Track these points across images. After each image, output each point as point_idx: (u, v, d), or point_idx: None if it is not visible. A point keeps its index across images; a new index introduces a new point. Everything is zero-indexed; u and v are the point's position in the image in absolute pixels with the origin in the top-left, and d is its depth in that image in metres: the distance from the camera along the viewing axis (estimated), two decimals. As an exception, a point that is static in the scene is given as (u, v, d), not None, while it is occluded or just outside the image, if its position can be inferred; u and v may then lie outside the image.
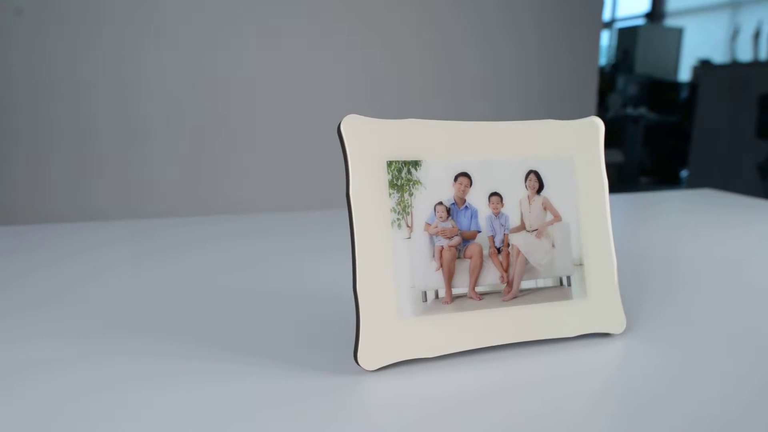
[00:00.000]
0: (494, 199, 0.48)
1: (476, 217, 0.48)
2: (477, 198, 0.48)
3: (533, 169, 0.50)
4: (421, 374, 0.44)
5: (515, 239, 0.49)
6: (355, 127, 0.45)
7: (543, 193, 0.50)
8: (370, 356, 0.44)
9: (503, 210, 0.48)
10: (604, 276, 0.51)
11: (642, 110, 5.21)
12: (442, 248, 0.46)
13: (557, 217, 0.50)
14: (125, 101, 1.59)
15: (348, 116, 0.45)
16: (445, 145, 0.47)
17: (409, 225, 0.46)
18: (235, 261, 0.77)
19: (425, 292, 0.46)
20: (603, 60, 6.24)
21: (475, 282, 0.47)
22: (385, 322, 0.44)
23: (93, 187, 1.58)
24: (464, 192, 0.47)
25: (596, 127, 0.52)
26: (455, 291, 0.47)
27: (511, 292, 0.48)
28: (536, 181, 0.50)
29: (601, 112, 5.12)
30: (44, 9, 1.46)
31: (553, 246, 0.50)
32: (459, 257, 0.47)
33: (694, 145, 4.01)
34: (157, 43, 1.65)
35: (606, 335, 0.51)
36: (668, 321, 0.56)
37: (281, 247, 0.84)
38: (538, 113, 2.17)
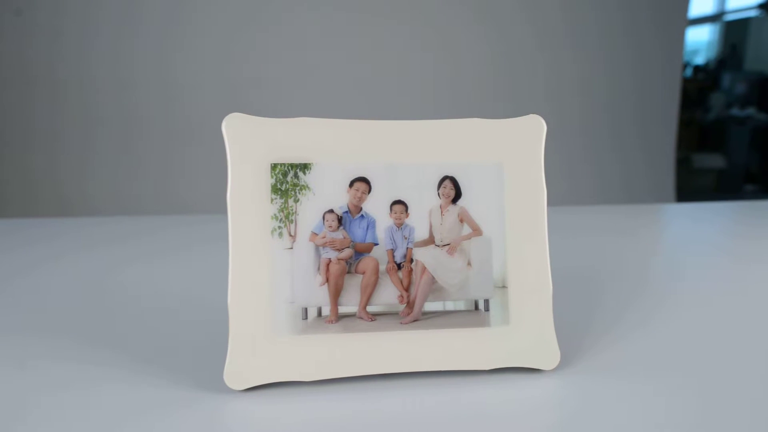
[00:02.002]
0: (397, 207, 0.43)
1: (373, 227, 0.42)
2: (376, 206, 0.43)
3: (449, 174, 0.44)
4: (295, 399, 0.40)
5: (420, 254, 0.43)
6: (238, 127, 0.41)
7: (460, 202, 0.44)
8: (237, 375, 0.40)
9: (408, 221, 0.43)
10: (534, 301, 0.44)
11: (750, 110, 4.68)
12: (330, 261, 0.42)
13: (476, 231, 0.44)
14: (167, 100, 1.67)
15: (230, 115, 0.42)
16: (342, 147, 0.43)
17: (292, 234, 0.41)
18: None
19: (306, 309, 0.41)
20: (711, 54, 5.68)
21: (366, 300, 0.42)
22: (258, 340, 0.40)
23: (135, 182, 1.68)
24: (360, 199, 0.42)
25: (537, 127, 0.45)
26: (342, 309, 0.42)
27: (411, 315, 0.42)
28: (452, 189, 0.43)
29: (702, 113, 4.67)
30: (91, 10, 1.57)
31: (469, 264, 0.43)
32: (350, 272, 0.42)
33: (809, 150, 3.52)
34: (198, 43, 1.71)
35: (535, 371, 0.44)
36: (624, 356, 0.47)
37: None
38: (599, 118, 2.00)
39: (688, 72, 5.05)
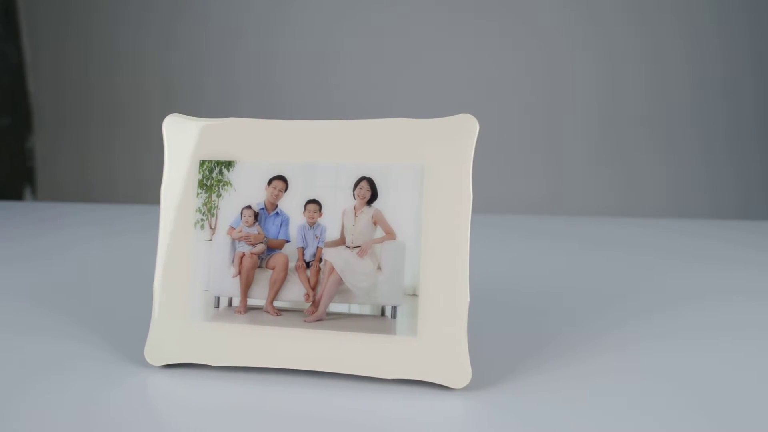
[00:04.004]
0: (311, 206, 0.43)
1: (287, 225, 0.43)
2: (292, 204, 0.43)
3: (366, 175, 0.43)
4: (207, 380, 0.42)
5: (330, 255, 0.43)
6: (174, 126, 0.45)
7: (375, 204, 0.42)
8: (155, 352, 0.44)
9: (321, 220, 0.43)
10: (447, 313, 0.41)
11: None
12: (243, 255, 0.44)
13: (389, 235, 0.42)
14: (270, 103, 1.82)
15: (170, 115, 0.46)
16: (264, 146, 0.44)
17: (212, 227, 0.44)
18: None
19: (218, 298, 0.44)
20: None
21: (274, 295, 0.43)
22: (175, 322, 0.44)
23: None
24: (277, 197, 0.44)
25: (467, 127, 0.42)
26: (251, 302, 0.43)
27: (315, 314, 0.42)
28: (368, 190, 0.43)
29: None
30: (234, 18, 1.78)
31: (379, 268, 0.42)
32: (261, 266, 0.44)
33: None
34: (295, 47, 1.83)
35: (443, 388, 0.41)
36: (550, 383, 0.41)
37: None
38: (750, 136, 1.72)
39: None
